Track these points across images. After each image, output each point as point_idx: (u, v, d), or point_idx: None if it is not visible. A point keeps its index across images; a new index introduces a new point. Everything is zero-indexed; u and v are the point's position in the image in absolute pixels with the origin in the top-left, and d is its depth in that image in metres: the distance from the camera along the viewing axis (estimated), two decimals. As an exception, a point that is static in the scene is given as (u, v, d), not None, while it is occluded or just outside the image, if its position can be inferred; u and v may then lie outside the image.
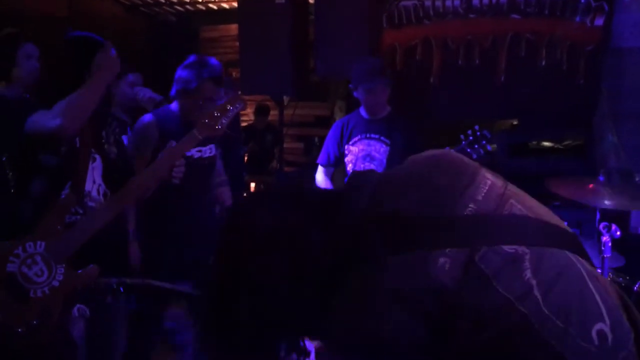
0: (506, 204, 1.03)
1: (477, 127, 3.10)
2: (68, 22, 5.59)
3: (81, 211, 2.29)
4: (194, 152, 2.90)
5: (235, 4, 6.26)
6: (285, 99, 5.11)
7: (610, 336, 0.96)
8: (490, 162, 4.00)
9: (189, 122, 2.74)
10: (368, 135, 3.36)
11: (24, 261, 2.14)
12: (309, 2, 4.89)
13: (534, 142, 4.40)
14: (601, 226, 2.49)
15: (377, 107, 3.35)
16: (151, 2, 6.54)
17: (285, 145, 5.42)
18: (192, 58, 2.92)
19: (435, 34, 4.44)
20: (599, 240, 2.48)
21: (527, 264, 0.97)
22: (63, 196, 2.25)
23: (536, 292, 0.95)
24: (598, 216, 2.93)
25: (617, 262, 2.66)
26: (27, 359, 2.23)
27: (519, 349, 0.95)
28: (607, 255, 2.48)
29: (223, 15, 6.81)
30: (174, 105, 2.97)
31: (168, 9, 6.79)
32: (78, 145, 2.30)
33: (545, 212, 1.09)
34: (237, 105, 2.59)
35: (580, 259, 1.03)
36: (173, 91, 2.93)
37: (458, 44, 4.37)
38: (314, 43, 4.60)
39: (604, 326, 0.96)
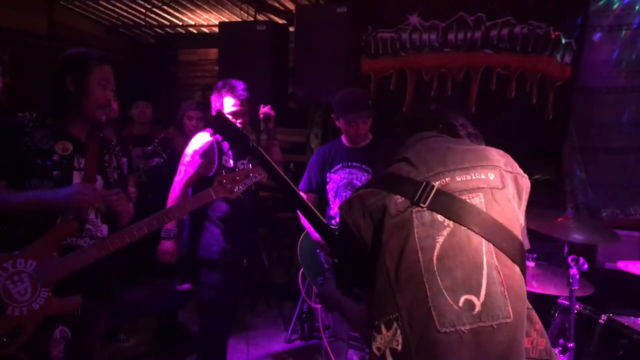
0: (472, 194, 1.36)
1: None
2: (48, 39, 5.58)
3: (78, 234, 2.26)
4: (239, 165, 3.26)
5: (215, 29, 6.32)
6: (262, 124, 5.13)
7: (477, 308, 1.25)
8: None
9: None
10: (349, 164, 3.38)
11: (11, 277, 2.09)
12: (289, 30, 4.96)
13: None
14: (569, 259, 2.52)
15: (358, 138, 3.38)
16: (131, 23, 6.55)
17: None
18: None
19: (410, 65, 4.54)
20: (567, 273, 2.51)
21: (444, 232, 1.31)
22: (59, 220, 2.21)
23: (435, 252, 1.29)
24: (566, 249, 2.98)
25: (586, 291, 2.69)
26: None
27: (406, 280, 1.29)
28: (575, 287, 2.51)
29: (202, 39, 6.86)
30: None
31: (148, 31, 6.81)
32: (80, 166, 2.29)
33: (508, 222, 1.38)
34: (257, 175, 2.71)
35: (499, 253, 1.31)
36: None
37: (432, 75, 4.47)
38: (292, 69, 4.65)
39: (475, 299, 1.26)
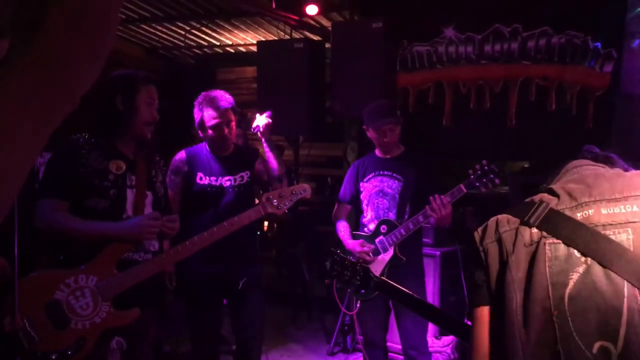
0: (619, 229, 1.19)
1: (485, 162, 3.15)
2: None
3: (134, 248, 2.34)
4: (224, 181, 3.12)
5: (251, 48, 6.47)
6: (300, 138, 5.23)
7: (614, 358, 1.12)
8: (505, 203, 4.04)
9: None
10: (381, 173, 3.43)
11: (73, 292, 2.19)
12: (325, 46, 5.05)
13: (544, 185, 4.46)
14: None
15: (389, 146, 3.42)
16: (171, 45, 6.75)
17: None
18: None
19: (447, 78, 4.56)
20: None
21: (580, 269, 1.18)
22: None
23: (568, 289, 1.17)
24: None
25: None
26: None
27: (531, 317, 1.18)
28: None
29: (239, 58, 7.02)
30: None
31: (186, 52, 7.00)
32: (131, 183, 2.38)
33: None
34: (302, 192, 2.82)
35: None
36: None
37: (469, 88, 4.49)
38: (329, 85, 4.73)
39: (612, 347, 1.12)
